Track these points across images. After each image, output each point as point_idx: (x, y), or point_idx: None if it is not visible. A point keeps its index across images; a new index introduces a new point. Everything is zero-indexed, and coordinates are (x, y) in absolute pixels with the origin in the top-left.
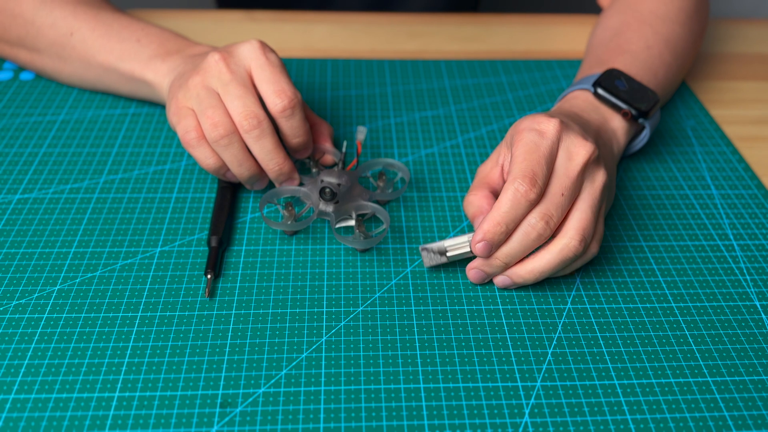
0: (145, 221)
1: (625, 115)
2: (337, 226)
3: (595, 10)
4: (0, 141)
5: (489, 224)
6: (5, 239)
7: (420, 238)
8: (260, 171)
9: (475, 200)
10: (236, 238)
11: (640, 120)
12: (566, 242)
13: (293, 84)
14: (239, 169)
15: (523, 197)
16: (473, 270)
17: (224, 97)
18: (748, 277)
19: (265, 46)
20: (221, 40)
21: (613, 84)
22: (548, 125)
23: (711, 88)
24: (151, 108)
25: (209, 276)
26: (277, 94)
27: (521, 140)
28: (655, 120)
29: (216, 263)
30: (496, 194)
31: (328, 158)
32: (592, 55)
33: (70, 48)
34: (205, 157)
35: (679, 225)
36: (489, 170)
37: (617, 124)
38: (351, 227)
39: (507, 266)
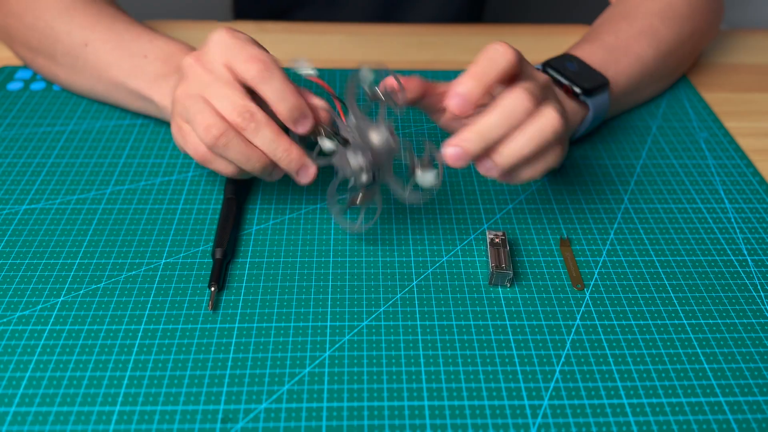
0: (150, 232)
1: (567, 91)
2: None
3: None
4: (9, 151)
5: (469, 132)
6: (11, 250)
7: (426, 250)
8: (269, 159)
9: (411, 80)
10: (241, 250)
11: (582, 97)
12: (546, 116)
13: (266, 50)
14: (249, 165)
15: (512, 101)
16: (450, 148)
17: (210, 100)
18: (762, 294)
19: (232, 31)
20: None
21: (563, 65)
22: (539, 76)
23: (725, 99)
24: (159, 120)
25: (213, 289)
26: (247, 61)
27: (511, 87)
28: (603, 104)
29: (220, 276)
30: (427, 90)
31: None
32: (572, 46)
33: (83, 59)
34: (223, 167)
35: (691, 239)
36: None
37: (568, 105)
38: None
39: (485, 143)
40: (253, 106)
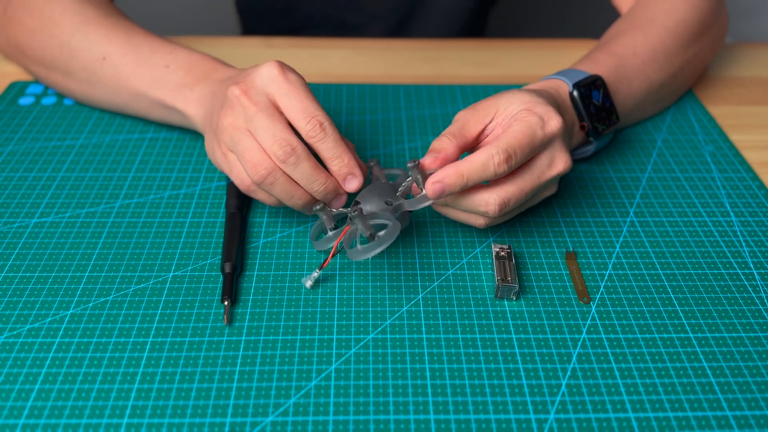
0: (159, 246)
1: (582, 128)
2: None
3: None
4: (20, 165)
5: (454, 171)
6: (21, 263)
7: (432, 264)
8: (311, 197)
9: (450, 146)
10: (248, 263)
11: (590, 137)
12: (489, 203)
13: (318, 103)
14: (291, 202)
15: (494, 167)
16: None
17: (254, 132)
18: None
19: (283, 68)
20: (240, 65)
21: (590, 93)
22: (553, 120)
23: (731, 112)
24: (168, 132)
25: (226, 303)
26: (306, 119)
27: (525, 120)
28: (606, 140)
29: (232, 290)
30: (465, 150)
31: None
32: (591, 52)
33: (101, 73)
34: (266, 198)
35: (697, 252)
36: (472, 125)
37: (577, 128)
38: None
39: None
40: (294, 140)
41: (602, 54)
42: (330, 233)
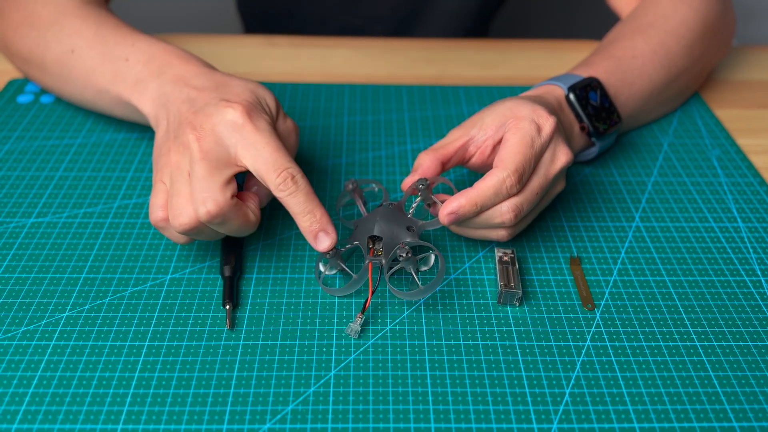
0: (157, 247)
1: (582, 129)
2: (389, 273)
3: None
4: (18, 164)
5: (467, 201)
6: (17, 263)
7: (434, 268)
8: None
9: (426, 160)
10: (247, 266)
11: (592, 138)
12: (504, 213)
13: (288, 154)
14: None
15: (506, 190)
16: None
17: (192, 179)
18: None
19: (251, 114)
20: (242, 64)
21: (586, 94)
22: (547, 123)
23: (738, 116)
24: None
25: (228, 307)
26: (276, 172)
27: (520, 129)
28: (609, 142)
29: (233, 293)
30: (445, 161)
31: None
32: (588, 57)
33: (71, 66)
34: (172, 237)
35: (703, 258)
36: (455, 137)
37: (577, 130)
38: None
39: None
40: (222, 202)
41: (599, 58)
42: (354, 277)
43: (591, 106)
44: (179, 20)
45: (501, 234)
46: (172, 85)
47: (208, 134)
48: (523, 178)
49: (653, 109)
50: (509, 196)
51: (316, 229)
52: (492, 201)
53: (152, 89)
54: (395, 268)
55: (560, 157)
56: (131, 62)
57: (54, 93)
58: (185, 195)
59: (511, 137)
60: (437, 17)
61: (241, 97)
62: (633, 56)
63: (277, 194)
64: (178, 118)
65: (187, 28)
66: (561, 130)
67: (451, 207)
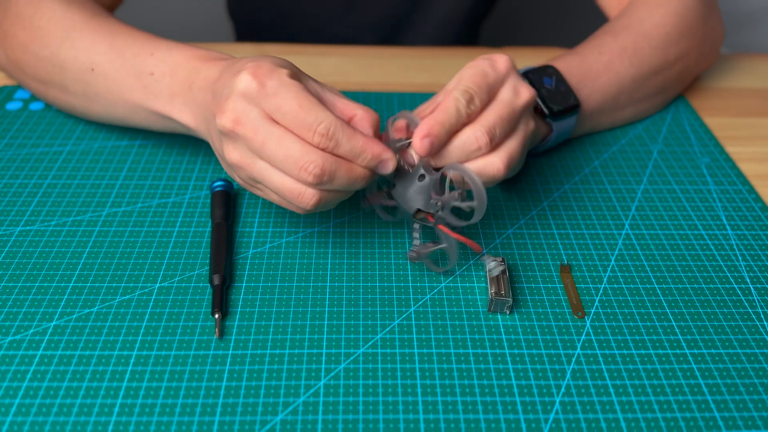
0: (146, 256)
1: (534, 109)
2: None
3: None
4: (6, 172)
5: (432, 121)
6: (4, 272)
7: (425, 276)
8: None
9: (401, 123)
10: (236, 274)
11: (547, 119)
12: (494, 161)
13: (313, 102)
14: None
15: (461, 107)
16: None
17: (272, 164)
18: (765, 323)
19: (258, 74)
20: None
21: (540, 79)
22: (500, 60)
23: (727, 124)
24: (157, 140)
25: (217, 316)
26: (309, 135)
27: (472, 65)
28: (568, 126)
29: (222, 302)
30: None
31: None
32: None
33: (95, 85)
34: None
35: (693, 266)
36: (427, 106)
37: (533, 114)
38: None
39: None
40: (316, 157)
41: (564, 54)
42: (435, 246)
43: (545, 89)
44: (171, 28)
45: (494, 163)
46: (203, 93)
47: (236, 115)
48: (475, 99)
49: (626, 106)
50: (468, 114)
51: (374, 164)
52: (453, 118)
53: (188, 103)
54: (447, 208)
55: (523, 91)
56: (157, 75)
57: (78, 113)
58: (283, 181)
59: (464, 71)
60: (426, 26)
61: (250, 62)
62: (599, 52)
63: (323, 148)
64: (213, 120)
65: (179, 36)
66: (517, 71)
67: (421, 132)
